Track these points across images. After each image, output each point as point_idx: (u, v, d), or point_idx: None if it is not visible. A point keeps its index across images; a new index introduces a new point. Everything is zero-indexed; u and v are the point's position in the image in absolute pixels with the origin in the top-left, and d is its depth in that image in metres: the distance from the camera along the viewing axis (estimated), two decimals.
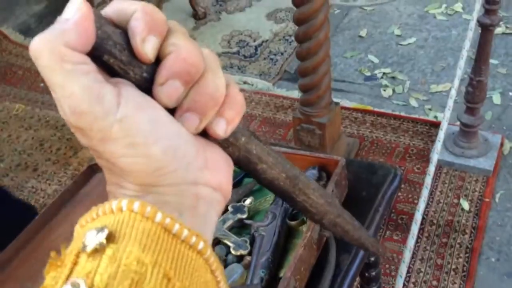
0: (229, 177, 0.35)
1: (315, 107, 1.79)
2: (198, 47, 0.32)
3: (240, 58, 2.66)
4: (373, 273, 1.14)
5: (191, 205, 0.32)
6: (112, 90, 0.30)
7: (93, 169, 1.08)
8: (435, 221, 1.79)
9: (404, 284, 1.60)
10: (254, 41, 2.75)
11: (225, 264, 0.87)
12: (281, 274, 0.84)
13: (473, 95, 1.80)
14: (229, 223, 0.92)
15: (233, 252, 0.88)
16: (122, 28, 0.31)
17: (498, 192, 1.86)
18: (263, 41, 2.73)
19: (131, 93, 0.30)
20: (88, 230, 0.29)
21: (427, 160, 1.95)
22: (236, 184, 1.00)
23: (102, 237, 0.28)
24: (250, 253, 0.88)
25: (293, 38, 2.51)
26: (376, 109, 2.23)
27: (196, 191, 0.33)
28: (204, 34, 2.83)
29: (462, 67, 1.55)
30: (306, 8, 1.58)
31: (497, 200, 1.84)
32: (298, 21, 1.63)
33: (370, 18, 2.78)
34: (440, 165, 1.92)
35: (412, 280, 1.64)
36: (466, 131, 1.90)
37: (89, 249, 0.28)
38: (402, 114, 2.19)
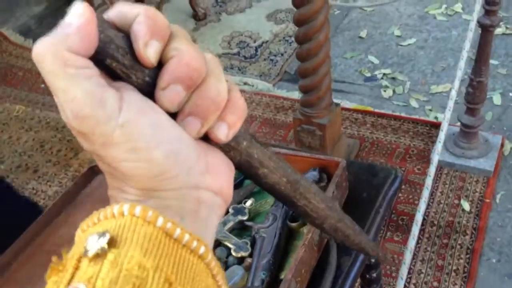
0: (230, 182, 0.35)
1: (316, 108, 1.79)
2: (201, 51, 0.32)
3: (241, 59, 2.66)
4: (374, 275, 1.14)
5: (193, 209, 0.32)
6: (114, 94, 0.30)
7: (94, 171, 1.08)
8: (435, 222, 1.79)
9: (405, 286, 1.60)
10: (254, 42, 2.75)
11: (226, 266, 0.87)
12: (282, 276, 0.84)
13: (474, 95, 1.80)
14: (229, 224, 0.92)
15: (234, 254, 0.88)
16: (125, 32, 0.31)
17: (499, 192, 1.86)
18: (263, 42, 2.73)
19: (133, 97, 0.30)
20: (89, 235, 0.29)
21: (427, 161, 1.95)
22: (237, 185, 1.00)
23: (103, 242, 0.28)
24: (251, 255, 0.88)
25: (293, 38, 2.51)
26: (376, 110, 2.23)
27: (198, 196, 0.33)
28: (204, 35, 2.83)
29: (462, 68, 1.55)
30: (306, 9, 1.58)
31: (497, 200, 1.84)
32: (298, 22, 1.63)
33: (370, 18, 2.78)
34: (440, 166, 1.92)
35: (413, 281, 1.64)
36: (467, 132, 1.90)
37: (90, 253, 0.28)
38: (403, 115, 2.19)
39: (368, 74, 2.44)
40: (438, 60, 2.46)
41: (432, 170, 1.44)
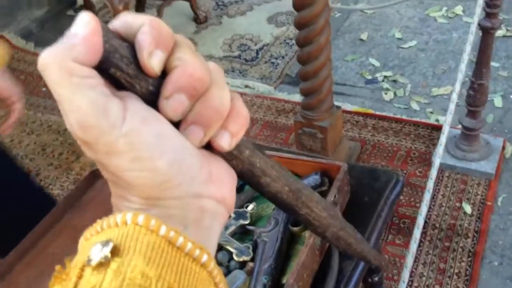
0: (233, 190, 0.35)
1: (317, 111, 1.79)
2: (204, 61, 0.32)
3: (242, 62, 2.66)
4: (376, 279, 1.13)
5: (196, 218, 0.32)
6: (118, 103, 0.30)
7: (96, 175, 1.08)
8: (437, 225, 1.79)
9: None
10: (255, 44, 2.75)
11: (228, 271, 0.87)
12: (284, 280, 0.84)
13: (475, 98, 1.80)
14: (231, 229, 0.92)
15: (235, 258, 0.88)
16: (129, 42, 0.31)
17: (500, 195, 1.86)
18: (264, 45, 2.74)
19: (136, 106, 0.31)
20: (93, 244, 0.29)
21: (429, 164, 1.95)
22: (239, 190, 1.00)
23: (107, 251, 0.28)
24: (252, 259, 0.88)
25: (294, 41, 2.52)
26: (377, 113, 2.23)
27: (201, 204, 0.33)
28: (205, 38, 2.84)
29: (463, 70, 1.55)
30: (307, 12, 1.58)
31: (499, 203, 1.84)
32: (299, 25, 1.63)
33: (370, 21, 2.78)
34: (442, 169, 1.92)
35: (415, 284, 1.64)
36: (468, 134, 1.90)
37: (94, 262, 0.28)
38: (404, 117, 2.19)
39: (369, 77, 2.44)
40: (439, 62, 2.46)
41: (433, 172, 1.44)
